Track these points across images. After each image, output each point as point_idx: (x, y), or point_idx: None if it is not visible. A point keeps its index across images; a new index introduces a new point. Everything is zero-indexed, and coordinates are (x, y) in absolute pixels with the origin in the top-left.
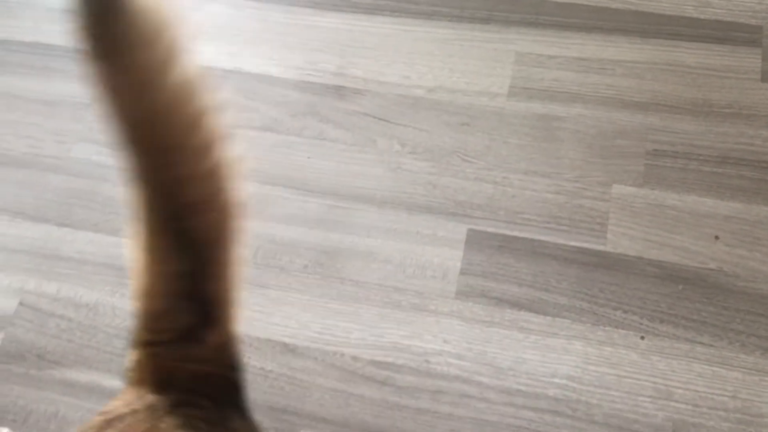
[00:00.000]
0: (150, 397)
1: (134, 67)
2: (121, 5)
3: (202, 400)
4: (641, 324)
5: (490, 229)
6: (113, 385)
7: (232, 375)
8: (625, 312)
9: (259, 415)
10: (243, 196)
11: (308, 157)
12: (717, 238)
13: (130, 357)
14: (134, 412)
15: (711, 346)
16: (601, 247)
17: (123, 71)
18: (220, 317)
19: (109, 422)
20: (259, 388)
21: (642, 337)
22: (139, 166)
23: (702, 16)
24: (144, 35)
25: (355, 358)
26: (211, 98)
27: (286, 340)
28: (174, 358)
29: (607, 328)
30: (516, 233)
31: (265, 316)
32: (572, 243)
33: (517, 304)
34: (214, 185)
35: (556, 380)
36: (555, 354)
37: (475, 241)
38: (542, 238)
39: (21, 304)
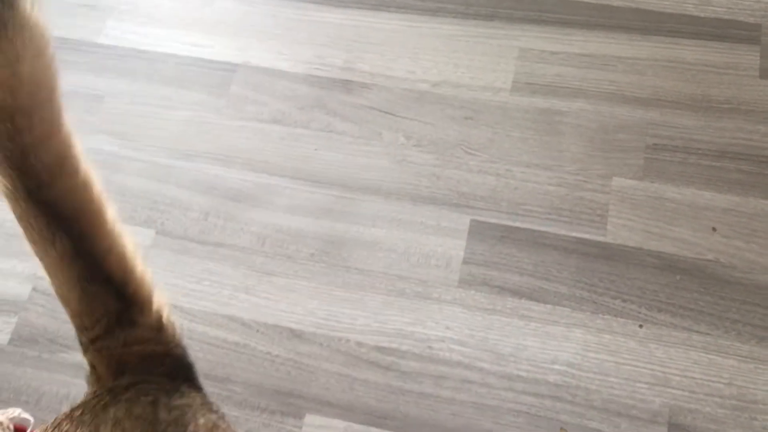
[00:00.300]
0: (110, 384)
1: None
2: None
3: (156, 377)
4: (640, 313)
5: (492, 220)
6: None
7: (176, 351)
8: (624, 301)
9: (265, 399)
10: (89, 163)
11: (315, 149)
12: (714, 229)
13: (85, 363)
14: (95, 395)
15: (708, 334)
16: (601, 238)
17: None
18: (138, 296)
19: (71, 412)
20: (266, 372)
21: (640, 326)
22: None
23: (702, 14)
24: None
25: (359, 344)
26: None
27: (293, 325)
28: (118, 345)
29: (606, 317)
30: (518, 224)
31: (273, 302)
32: (573, 234)
33: (518, 293)
34: (62, 151)
35: (556, 366)
36: (555, 341)
37: (477, 231)
38: (543, 228)
39: (34, 289)
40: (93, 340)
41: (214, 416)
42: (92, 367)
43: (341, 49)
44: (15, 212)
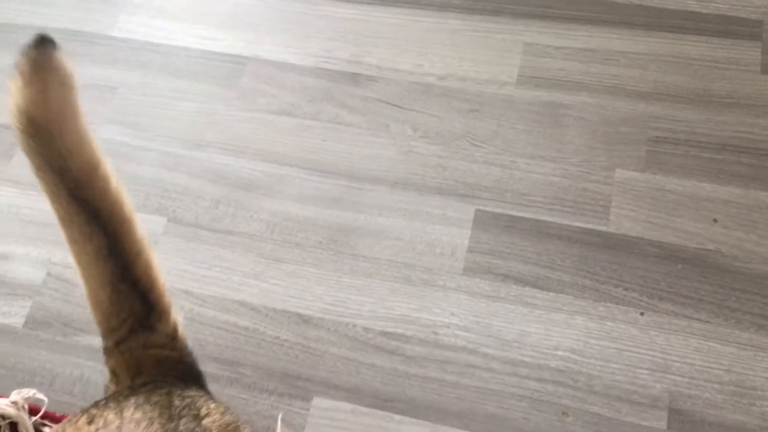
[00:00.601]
0: (128, 384)
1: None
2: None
3: (170, 379)
4: (641, 301)
5: (497, 210)
6: None
7: (187, 359)
8: (626, 289)
9: (274, 381)
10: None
11: (323, 140)
12: (715, 220)
13: (107, 368)
14: (117, 392)
15: (708, 322)
16: (603, 228)
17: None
18: (159, 304)
19: (96, 402)
20: (275, 355)
21: (642, 313)
22: (36, 149)
23: (704, 11)
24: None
25: (366, 329)
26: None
27: (301, 311)
28: (138, 347)
29: (608, 304)
30: (522, 214)
31: (282, 288)
32: (576, 224)
33: (522, 281)
34: (94, 158)
35: (559, 353)
36: (558, 328)
37: (482, 220)
38: (547, 218)
39: (48, 274)
40: (118, 342)
41: (223, 405)
42: (113, 373)
43: (349, 42)
44: (59, 214)
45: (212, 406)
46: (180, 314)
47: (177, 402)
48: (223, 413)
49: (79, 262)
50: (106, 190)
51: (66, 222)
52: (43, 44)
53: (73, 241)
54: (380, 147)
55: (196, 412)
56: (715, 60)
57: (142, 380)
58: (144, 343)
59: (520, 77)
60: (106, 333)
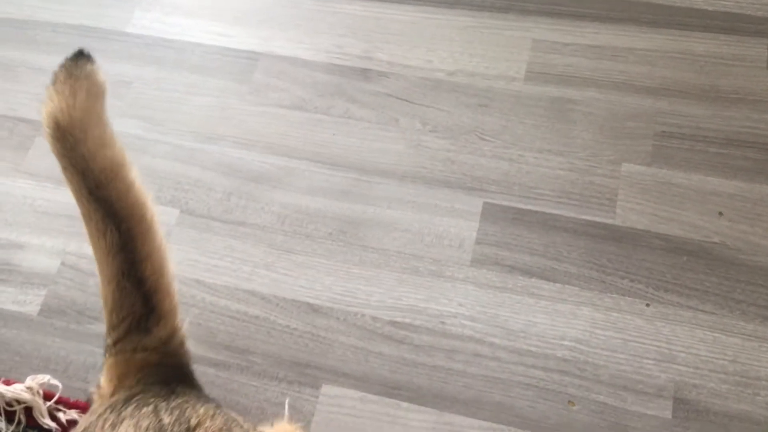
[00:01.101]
0: (111, 399)
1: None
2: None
3: (152, 387)
4: (647, 292)
5: (504, 203)
6: None
7: (177, 361)
8: (632, 281)
9: (284, 369)
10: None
11: (334, 134)
12: (721, 214)
13: (101, 370)
14: (99, 416)
15: (713, 313)
16: (610, 221)
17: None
18: (160, 307)
19: None
20: (285, 344)
21: (647, 305)
22: (62, 151)
23: (711, 8)
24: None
25: (374, 319)
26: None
27: (311, 300)
28: (129, 350)
29: (614, 296)
30: (529, 206)
31: (292, 278)
32: (583, 216)
33: (528, 272)
34: (116, 161)
35: (565, 342)
36: (564, 318)
37: (490, 213)
38: (554, 211)
39: (63, 264)
40: (115, 342)
41: (212, 404)
42: (98, 387)
43: (360, 39)
44: (81, 210)
45: (201, 411)
46: (185, 320)
47: (166, 419)
48: (213, 417)
49: (96, 255)
50: (126, 192)
51: (86, 218)
52: (79, 57)
53: (91, 235)
54: (390, 141)
55: (186, 425)
56: (722, 56)
57: (124, 393)
58: (135, 346)
59: (528, 73)
60: (108, 330)
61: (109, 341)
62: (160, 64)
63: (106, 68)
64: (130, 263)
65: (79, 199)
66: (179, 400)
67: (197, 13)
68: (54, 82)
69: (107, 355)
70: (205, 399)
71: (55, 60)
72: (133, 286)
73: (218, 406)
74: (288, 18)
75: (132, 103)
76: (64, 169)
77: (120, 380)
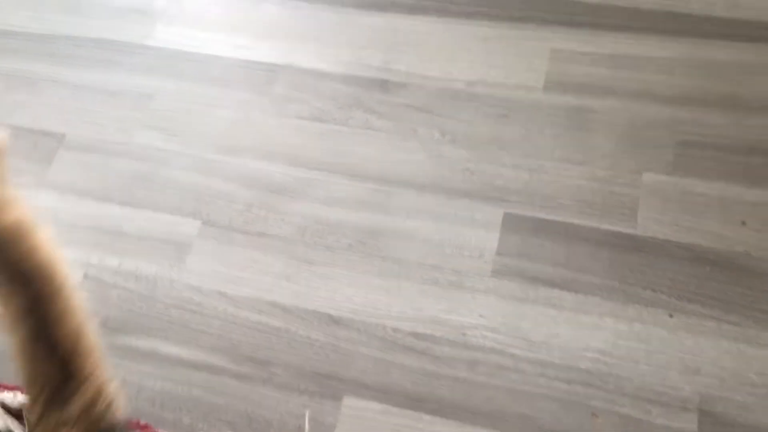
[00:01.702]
0: None
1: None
2: None
3: None
4: (670, 302)
5: (525, 213)
6: (170, 351)
7: (105, 426)
8: (655, 291)
9: (305, 381)
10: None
11: (353, 145)
12: (744, 223)
13: None
14: None
15: (737, 324)
16: (631, 231)
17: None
18: (80, 370)
19: None
20: (306, 355)
21: (671, 315)
22: None
23: (730, 16)
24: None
25: (395, 330)
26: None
27: (332, 312)
28: (50, 428)
29: (636, 306)
30: (551, 217)
31: (312, 290)
32: (604, 226)
33: (550, 283)
34: (18, 219)
35: (588, 354)
36: (587, 329)
37: (511, 223)
38: (575, 221)
39: (85, 276)
40: (38, 420)
41: None
42: None
43: (379, 50)
44: None
45: None
46: (114, 382)
47: None
48: None
49: (6, 323)
50: (31, 253)
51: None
52: None
53: None
54: (409, 151)
55: None
56: (742, 64)
57: None
58: (57, 421)
59: (547, 83)
60: (29, 405)
61: (32, 419)
62: (180, 77)
63: (126, 81)
64: (41, 327)
65: None
66: None
67: (218, 26)
68: None
69: None
70: None
71: (76, 73)
72: (46, 352)
73: None
74: (307, 30)
75: (153, 115)
76: None
77: None
